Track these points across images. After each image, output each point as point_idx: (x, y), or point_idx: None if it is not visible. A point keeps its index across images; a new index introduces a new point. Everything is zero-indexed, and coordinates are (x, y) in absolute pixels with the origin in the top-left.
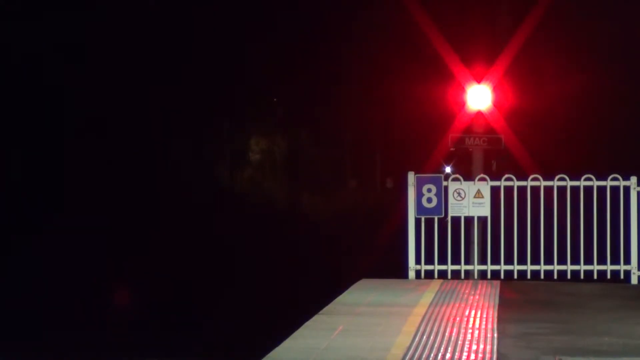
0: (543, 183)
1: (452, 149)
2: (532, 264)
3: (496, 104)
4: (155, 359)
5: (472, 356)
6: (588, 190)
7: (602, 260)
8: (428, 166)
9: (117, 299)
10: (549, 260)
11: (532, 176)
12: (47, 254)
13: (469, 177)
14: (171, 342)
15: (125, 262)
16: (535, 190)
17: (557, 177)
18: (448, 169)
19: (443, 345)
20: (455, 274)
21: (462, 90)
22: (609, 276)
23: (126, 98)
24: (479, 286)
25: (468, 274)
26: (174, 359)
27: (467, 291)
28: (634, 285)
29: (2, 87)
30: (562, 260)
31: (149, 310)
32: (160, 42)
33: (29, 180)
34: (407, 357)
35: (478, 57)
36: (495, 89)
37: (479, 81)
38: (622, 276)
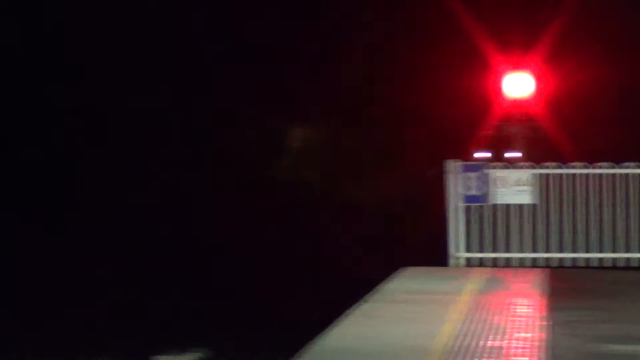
0: (592, 171)
1: (488, 135)
2: (579, 252)
3: (536, 91)
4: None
5: (519, 344)
6: (629, 179)
7: None
8: (465, 154)
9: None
10: (594, 249)
11: (581, 164)
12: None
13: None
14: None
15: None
16: (577, 177)
17: (604, 164)
18: (479, 155)
19: (488, 331)
20: (497, 262)
21: (501, 78)
22: None
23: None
24: (522, 273)
25: (510, 262)
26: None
27: (510, 278)
28: None
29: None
30: (606, 249)
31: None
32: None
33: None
34: (453, 345)
35: (517, 44)
36: (535, 76)
37: (517, 69)
38: None
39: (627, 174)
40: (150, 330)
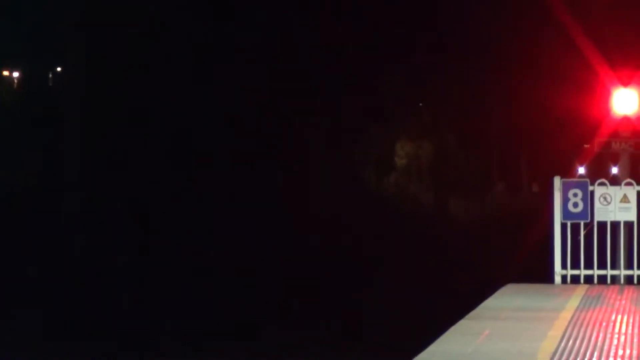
0: None
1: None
2: None
3: None
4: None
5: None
6: None
7: None
8: (571, 171)
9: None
10: None
11: None
12: None
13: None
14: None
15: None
16: None
17: None
18: (581, 170)
19: (589, 351)
20: (602, 279)
21: (609, 94)
22: None
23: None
24: (626, 291)
25: (614, 279)
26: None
27: (613, 296)
28: None
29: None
30: None
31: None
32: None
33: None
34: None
35: (625, 60)
36: None
37: (625, 85)
38: None
39: None
40: None
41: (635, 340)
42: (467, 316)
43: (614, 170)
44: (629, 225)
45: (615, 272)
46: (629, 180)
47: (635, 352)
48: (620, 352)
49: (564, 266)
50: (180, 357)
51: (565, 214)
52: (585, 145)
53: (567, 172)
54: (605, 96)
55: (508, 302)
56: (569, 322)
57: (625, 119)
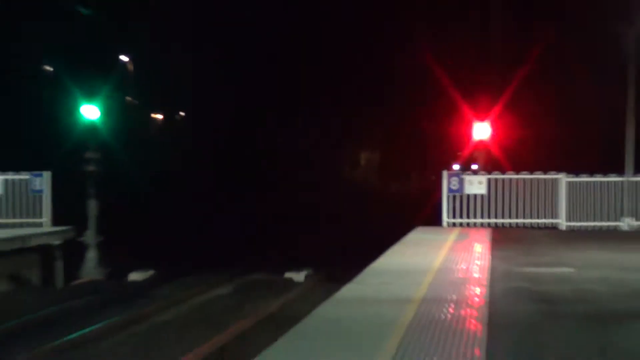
0: (517, 176)
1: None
2: (511, 219)
3: (493, 134)
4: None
5: (475, 267)
6: (537, 181)
7: (545, 217)
8: (449, 168)
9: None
10: (520, 217)
11: (508, 172)
12: None
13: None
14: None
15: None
16: (509, 180)
17: (524, 172)
18: (456, 166)
19: (460, 260)
20: (467, 225)
21: (472, 125)
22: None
23: None
24: (482, 228)
25: (475, 224)
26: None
27: (474, 233)
28: (563, 231)
29: None
30: (526, 217)
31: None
32: None
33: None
34: (442, 267)
35: (481, 103)
36: (492, 125)
37: (481, 120)
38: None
39: (537, 178)
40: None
41: (486, 256)
42: (397, 242)
43: (474, 166)
44: (481, 196)
45: (475, 220)
46: (482, 172)
47: (485, 263)
48: (477, 262)
49: (448, 217)
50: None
51: (449, 190)
52: (459, 153)
53: (449, 167)
54: (470, 126)
55: (419, 235)
56: (452, 245)
57: (481, 140)
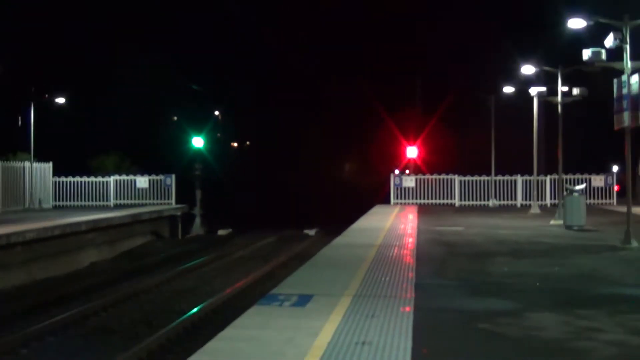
0: (432, 176)
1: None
2: (427, 199)
3: (419, 153)
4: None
5: (409, 226)
6: (440, 179)
7: (443, 198)
8: (396, 171)
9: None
10: (434, 198)
11: (426, 174)
12: None
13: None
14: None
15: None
16: (423, 179)
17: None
18: (397, 171)
19: (401, 223)
20: (407, 203)
21: (404, 146)
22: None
23: None
24: (413, 205)
25: (409, 203)
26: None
27: (408, 206)
28: (457, 207)
29: None
30: (435, 198)
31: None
32: None
33: None
34: (390, 227)
35: (411, 133)
36: (417, 147)
37: (411, 144)
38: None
39: (442, 178)
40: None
41: (415, 219)
42: (366, 213)
43: (407, 171)
44: (412, 187)
45: (408, 200)
46: (412, 174)
47: (415, 222)
48: (410, 223)
49: (394, 199)
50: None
51: (394, 184)
52: (399, 163)
53: (395, 170)
54: (405, 148)
55: (378, 209)
56: (396, 214)
57: (412, 157)
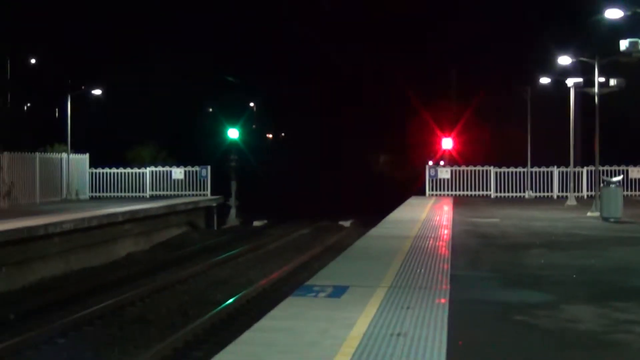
0: (467, 168)
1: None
2: (462, 191)
3: (454, 144)
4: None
5: (445, 216)
6: (477, 171)
7: (482, 190)
8: (433, 162)
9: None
10: (458, 190)
11: (461, 166)
12: None
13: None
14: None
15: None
16: (464, 170)
17: (472, 165)
18: (430, 163)
19: (436, 214)
20: (441, 194)
21: (440, 138)
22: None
23: None
24: (448, 197)
25: (444, 194)
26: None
27: (444, 198)
28: (492, 198)
29: None
30: (471, 190)
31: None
32: None
33: None
34: (426, 217)
35: (446, 124)
36: (453, 138)
37: (447, 135)
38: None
39: (477, 169)
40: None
41: (450, 210)
42: (402, 204)
43: (441, 162)
44: (447, 179)
45: (444, 192)
46: (447, 165)
47: (450, 213)
48: (445, 215)
49: (429, 190)
50: None
51: (429, 175)
52: (434, 154)
53: (431, 162)
54: (440, 140)
55: (413, 201)
56: (431, 206)
57: (447, 149)
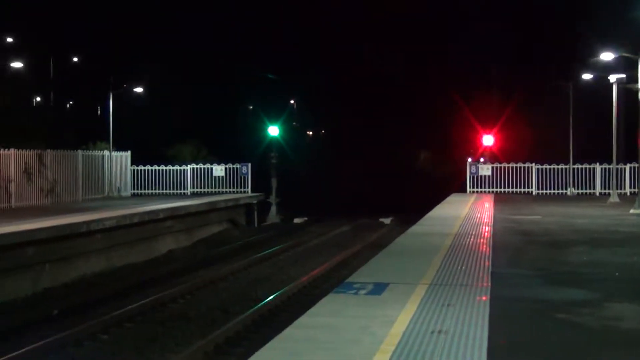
0: (509, 165)
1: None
2: (503, 188)
3: (495, 141)
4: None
5: (485, 213)
6: (518, 167)
7: (524, 187)
8: (472, 159)
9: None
10: (508, 187)
11: (502, 162)
12: None
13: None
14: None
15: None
16: (505, 167)
17: (512, 162)
18: (469, 160)
19: (477, 211)
20: (482, 191)
21: (481, 135)
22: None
23: None
24: (489, 194)
25: (485, 190)
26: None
27: (485, 195)
28: (534, 195)
29: None
30: (511, 187)
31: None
32: None
33: None
34: (467, 214)
35: (487, 121)
36: (494, 136)
37: (488, 132)
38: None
39: (518, 166)
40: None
41: (491, 207)
42: (442, 202)
43: (482, 159)
44: (488, 176)
45: (484, 189)
46: (488, 162)
47: (491, 210)
48: (486, 212)
49: (470, 187)
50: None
51: (470, 172)
52: (475, 151)
53: (472, 159)
54: (481, 137)
55: (454, 198)
56: (472, 203)
57: (488, 146)
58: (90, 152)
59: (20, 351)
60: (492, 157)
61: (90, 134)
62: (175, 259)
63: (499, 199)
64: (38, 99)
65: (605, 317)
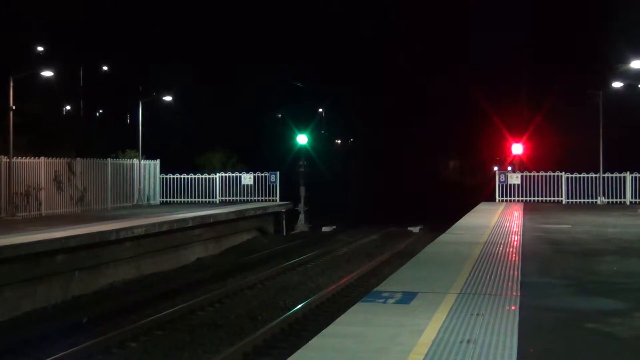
0: (538, 173)
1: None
2: (533, 197)
3: (524, 149)
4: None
5: (514, 222)
6: (547, 176)
7: (553, 196)
8: (501, 169)
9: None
10: (537, 196)
11: (532, 171)
12: None
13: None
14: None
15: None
16: (534, 176)
17: (542, 171)
18: (495, 168)
19: (506, 220)
20: (511, 200)
21: (510, 143)
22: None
23: None
24: (518, 203)
25: (514, 200)
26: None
27: (514, 204)
28: (564, 204)
29: None
30: (541, 196)
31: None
32: None
33: None
34: (495, 224)
35: (517, 131)
36: (523, 144)
37: (517, 141)
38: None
39: (548, 175)
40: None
41: (520, 215)
42: (468, 212)
43: (509, 168)
44: (517, 184)
45: (513, 198)
46: (517, 171)
47: (520, 219)
48: (515, 220)
49: (499, 196)
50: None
51: (499, 181)
52: (504, 160)
53: (500, 168)
54: (510, 146)
55: (483, 206)
56: (501, 212)
57: (517, 154)
58: (119, 161)
59: (50, 358)
60: (521, 165)
61: (119, 142)
62: (204, 267)
63: (528, 207)
64: (68, 107)
65: (636, 327)
